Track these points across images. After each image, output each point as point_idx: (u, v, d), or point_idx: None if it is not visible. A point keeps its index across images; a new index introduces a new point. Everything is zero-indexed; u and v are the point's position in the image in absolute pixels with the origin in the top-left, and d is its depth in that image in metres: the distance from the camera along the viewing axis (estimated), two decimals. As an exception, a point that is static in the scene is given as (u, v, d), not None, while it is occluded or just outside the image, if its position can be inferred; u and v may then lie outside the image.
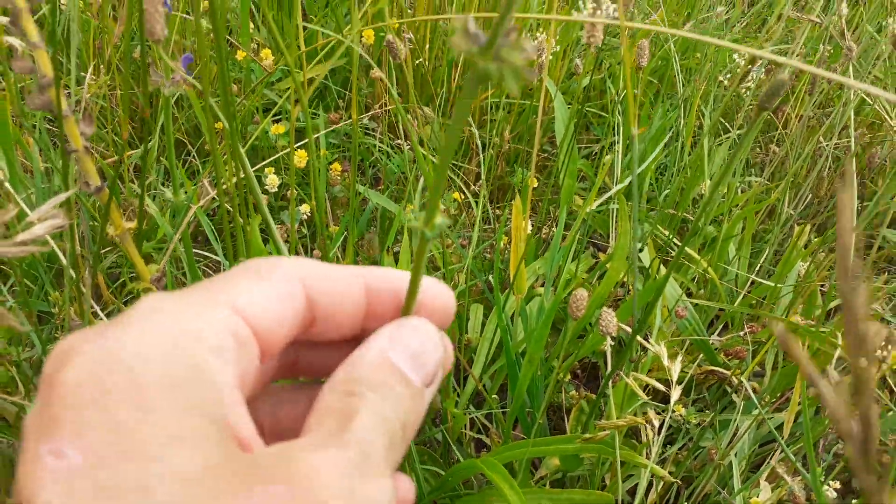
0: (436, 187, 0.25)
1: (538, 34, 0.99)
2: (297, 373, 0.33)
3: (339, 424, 0.24)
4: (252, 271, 0.28)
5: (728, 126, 1.56)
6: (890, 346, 0.75)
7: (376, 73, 1.24)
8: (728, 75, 1.36)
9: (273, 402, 0.32)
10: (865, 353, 0.22)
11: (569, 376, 1.06)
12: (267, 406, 0.32)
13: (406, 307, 0.29)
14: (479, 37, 0.20)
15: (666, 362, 0.84)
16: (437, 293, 0.31)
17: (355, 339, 0.31)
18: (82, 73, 1.11)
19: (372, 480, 0.23)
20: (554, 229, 1.29)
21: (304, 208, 1.23)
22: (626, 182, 1.06)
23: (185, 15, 0.66)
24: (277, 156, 1.16)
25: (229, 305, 0.26)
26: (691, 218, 1.32)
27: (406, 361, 0.27)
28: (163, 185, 1.33)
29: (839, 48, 1.17)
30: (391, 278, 0.30)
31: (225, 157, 0.99)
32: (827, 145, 1.41)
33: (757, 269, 1.26)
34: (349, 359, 0.27)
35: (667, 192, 1.34)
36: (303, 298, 0.29)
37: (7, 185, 0.67)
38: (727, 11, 1.96)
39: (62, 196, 0.52)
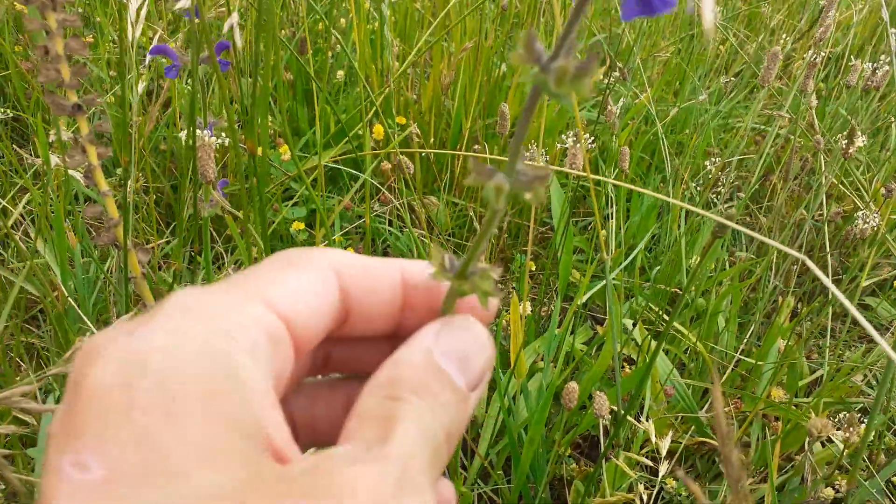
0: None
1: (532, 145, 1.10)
2: (330, 370, 0.32)
3: (380, 433, 0.23)
4: (284, 263, 0.27)
5: (715, 200, 1.66)
6: (853, 428, 0.83)
7: (386, 165, 1.35)
8: (714, 160, 1.46)
9: (308, 400, 0.31)
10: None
11: (569, 450, 1.13)
12: (302, 403, 0.31)
13: (447, 304, 0.28)
14: (454, 265, 0.28)
15: (654, 439, 0.92)
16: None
17: (390, 336, 0.30)
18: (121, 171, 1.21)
19: (412, 499, 0.21)
20: (553, 302, 1.38)
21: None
22: (620, 267, 1.16)
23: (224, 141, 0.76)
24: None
25: (262, 301, 0.25)
26: (681, 292, 1.41)
27: (453, 363, 0.25)
28: (188, 267, 1.43)
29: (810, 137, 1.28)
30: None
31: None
32: (809, 218, 1.50)
33: (745, 340, 1.35)
34: (391, 358, 0.25)
35: (658, 268, 1.44)
36: (337, 291, 0.27)
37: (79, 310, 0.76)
38: (713, 88, 2.08)
39: (126, 317, 0.62)
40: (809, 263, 0.42)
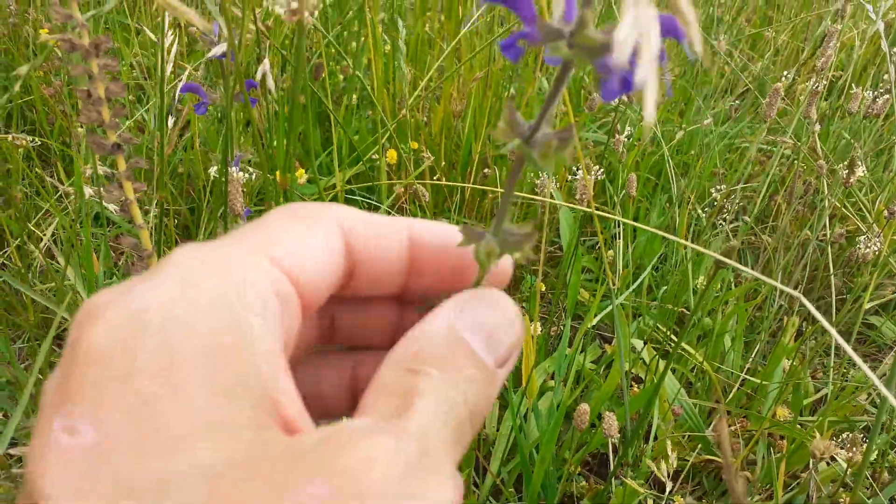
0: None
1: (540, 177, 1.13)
2: (335, 339, 0.31)
3: (399, 407, 0.21)
4: (289, 217, 0.25)
5: (721, 223, 1.70)
6: (855, 448, 0.86)
7: (400, 189, 1.39)
8: (720, 187, 1.50)
9: (314, 371, 0.30)
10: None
11: (579, 468, 1.16)
12: (308, 374, 0.29)
13: (479, 277, 0.27)
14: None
15: (668, 456, 0.95)
16: None
17: (396, 299, 0.29)
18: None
19: (431, 480, 0.20)
20: (563, 321, 1.41)
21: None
22: (629, 291, 1.19)
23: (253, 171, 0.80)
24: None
25: (268, 257, 0.23)
26: (688, 312, 1.44)
27: (478, 339, 0.24)
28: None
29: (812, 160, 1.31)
30: (439, 233, 0.28)
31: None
32: (813, 238, 1.53)
33: (751, 359, 1.37)
34: (412, 332, 0.24)
35: (665, 288, 1.47)
36: (343, 248, 0.26)
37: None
38: (717, 109, 2.12)
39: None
40: (804, 300, 0.46)
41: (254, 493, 0.17)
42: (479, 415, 0.23)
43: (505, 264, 0.28)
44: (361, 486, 0.18)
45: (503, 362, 0.24)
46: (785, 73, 1.38)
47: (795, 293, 0.44)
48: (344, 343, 0.31)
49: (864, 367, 0.39)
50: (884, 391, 0.39)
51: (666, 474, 0.91)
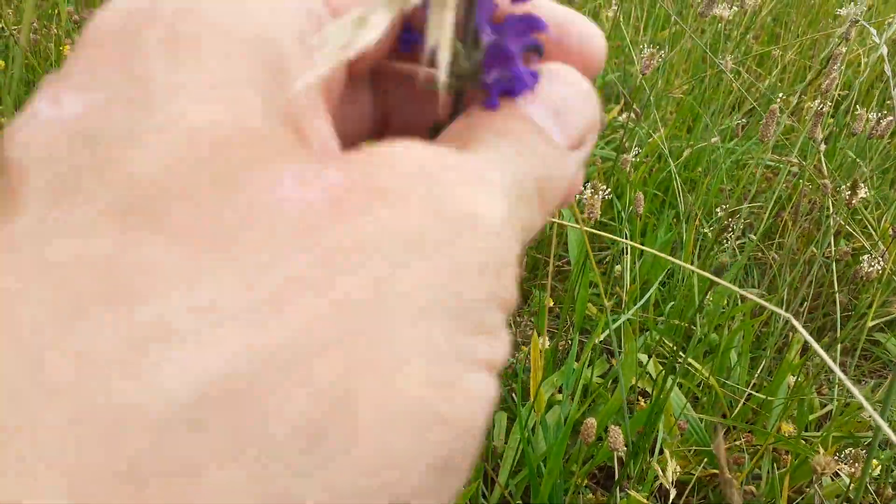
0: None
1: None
2: (385, 128, 0.26)
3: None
4: None
5: (727, 238, 1.72)
6: (858, 463, 0.88)
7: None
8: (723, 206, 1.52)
9: None
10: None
11: (586, 480, 1.18)
12: None
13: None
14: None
15: (669, 474, 0.97)
16: (584, 31, 0.22)
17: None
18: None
19: (473, 192, 0.17)
20: (571, 336, 1.43)
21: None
22: (636, 307, 1.21)
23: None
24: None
25: None
26: (695, 327, 1.46)
27: (546, 116, 0.20)
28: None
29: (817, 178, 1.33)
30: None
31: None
32: (819, 255, 1.55)
33: (756, 374, 1.39)
34: (469, 110, 0.20)
35: (671, 303, 1.49)
36: None
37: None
38: (725, 125, 2.15)
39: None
40: (795, 322, 0.48)
41: (245, 162, 0.15)
42: (549, 192, 0.19)
43: (594, 40, 0.22)
44: (384, 179, 0.16)
45: (577, 142, 0.20)
46: (782, 95, 1.41)
47: (786, 314, 0.46)
48: (397, 137, 0.27)
49: (856, 392, 0.41)
50: (876, 417, 0.41)
51: (670, 480, 0.92)
